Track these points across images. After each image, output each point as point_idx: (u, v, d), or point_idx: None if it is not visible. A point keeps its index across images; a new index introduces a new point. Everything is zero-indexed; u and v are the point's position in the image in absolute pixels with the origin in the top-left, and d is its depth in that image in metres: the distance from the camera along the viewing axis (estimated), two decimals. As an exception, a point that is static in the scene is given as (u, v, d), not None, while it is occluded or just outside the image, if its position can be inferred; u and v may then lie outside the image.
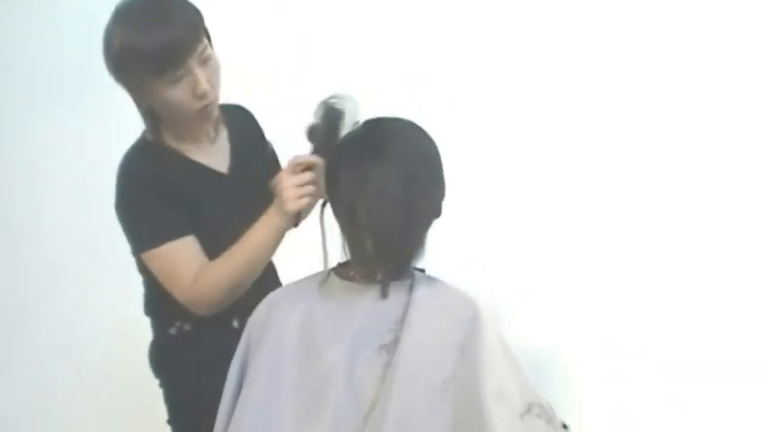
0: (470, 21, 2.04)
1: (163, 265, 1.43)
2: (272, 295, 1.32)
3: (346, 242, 1.24)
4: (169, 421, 1.58)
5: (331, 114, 1.29)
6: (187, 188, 1.46)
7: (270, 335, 1.23)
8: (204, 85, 1.35)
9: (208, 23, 1.44)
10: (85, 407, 2.35)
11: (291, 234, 1.43)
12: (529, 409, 1.15)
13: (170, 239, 1.41)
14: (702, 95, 1.86)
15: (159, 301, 1.52)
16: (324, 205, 1.32)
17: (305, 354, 1.20)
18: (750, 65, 1.83)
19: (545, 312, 1.98)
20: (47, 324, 2.45)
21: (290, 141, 1.66)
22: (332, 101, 1.30)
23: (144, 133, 1.50)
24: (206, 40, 1.39)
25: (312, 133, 1.31)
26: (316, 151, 1.33)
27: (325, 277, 1.28)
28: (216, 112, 1.44)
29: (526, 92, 1.99)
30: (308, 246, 1.43)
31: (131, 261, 1.51)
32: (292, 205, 1.31)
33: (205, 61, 1.36)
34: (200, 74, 1.35)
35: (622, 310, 1.92)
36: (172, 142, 1.47)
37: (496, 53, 2.02)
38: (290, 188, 1.31)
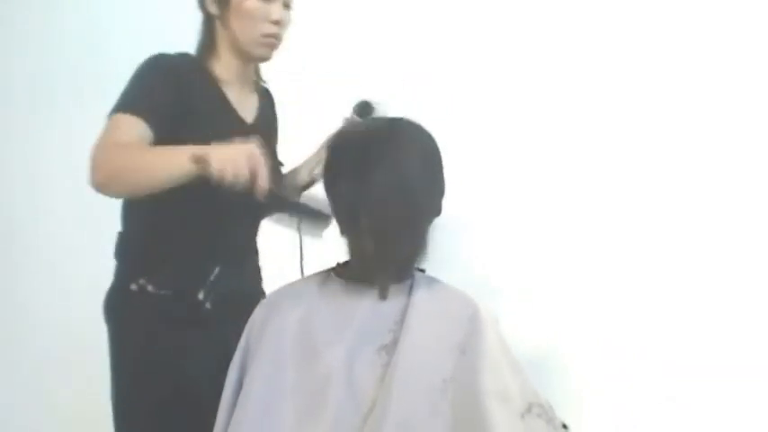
0: (470, 21, 2.04)
1: (109, 129, 1.34)
2: (272, 295, 1.32)
3: (347, 243, 1.24)
4: (112, 370, 1.54)
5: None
6: (207, 116, 1.43)
7: (270, 335, 1.23)
8: (280, 14, 1.46)
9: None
10: (86, 407, 2.35)
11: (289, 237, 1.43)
12: (529, 409, 1.15)
13: (140, 117, 1.34)
14: (702, 96, 1.86)
15: (131, 248, 1.50)
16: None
17: (304, 354, 1.20)
18: (750, 65, 1.83)
19: (545, 312, 1.98)
20: (46, 324, 2.45)
21: (289, 140, 1.67)
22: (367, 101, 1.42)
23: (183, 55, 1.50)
24: None
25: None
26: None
27: (324, 277, 1.28)
28: (273, 53, 1.50)
29: (526, 92, 1.99)
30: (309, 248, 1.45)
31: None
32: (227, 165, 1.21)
33: (287, 5, 1.49)
34: (280, 8, 1.47)
35: (622, 310, 1.92)
36: (214, 69, 1.50)
37: (496, 53, 2.02)
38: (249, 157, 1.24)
